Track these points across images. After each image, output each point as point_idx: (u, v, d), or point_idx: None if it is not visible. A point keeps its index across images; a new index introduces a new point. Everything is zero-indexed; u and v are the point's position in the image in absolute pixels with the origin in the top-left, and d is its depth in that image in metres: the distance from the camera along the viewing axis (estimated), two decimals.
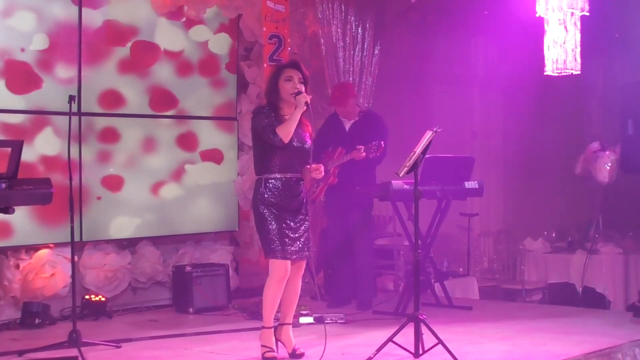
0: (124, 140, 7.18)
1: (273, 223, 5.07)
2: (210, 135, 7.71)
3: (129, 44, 7.17)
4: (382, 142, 6.67)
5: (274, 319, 5.19)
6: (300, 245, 5.16)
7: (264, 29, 7.39)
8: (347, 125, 7.21)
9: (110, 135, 7.09)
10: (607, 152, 8.63)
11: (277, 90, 5.14)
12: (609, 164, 8.56)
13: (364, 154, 6.65)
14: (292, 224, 5.12)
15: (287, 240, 5.08)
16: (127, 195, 7.20)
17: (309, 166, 5.20)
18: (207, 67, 7.67)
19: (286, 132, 5.02)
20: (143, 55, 7.26)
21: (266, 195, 5.08)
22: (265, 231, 5.08)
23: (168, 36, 7.39)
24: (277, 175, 5.09)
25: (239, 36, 7.89)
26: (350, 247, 7.18)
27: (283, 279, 5.14)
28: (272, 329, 5.18)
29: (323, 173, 5.29)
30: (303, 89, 5.13)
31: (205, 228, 7.73)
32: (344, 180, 6.99)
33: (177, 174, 7.52)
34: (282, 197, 5.10)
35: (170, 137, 7.48)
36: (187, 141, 7.56)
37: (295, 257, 5.15)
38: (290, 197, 5.13)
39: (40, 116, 6.66)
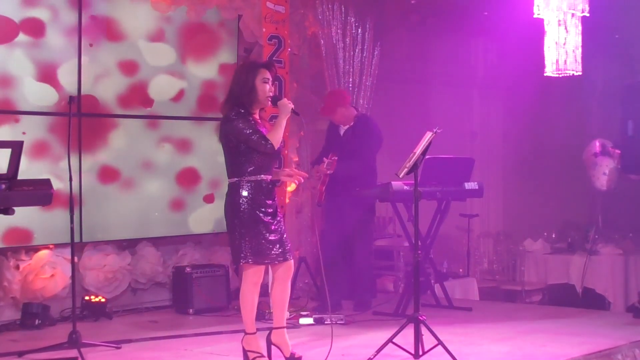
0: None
1: (252, 227, 4.95)
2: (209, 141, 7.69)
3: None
4: (334, 158, 6.66)
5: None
6: (280, 247, 5.04)
7: (264, 29, 7.38)
8: (342, 131, 7.16)
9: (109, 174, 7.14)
10: (607, 159, 8.62)
11: (254, 90, 5.00)
12: (606, 172, 8.56)
13: (328, 171, 6.68)
14: (271, 226, 5.00)
15: (264, 243, 4.97)
16: (127, 196, 7.21)
17: (278, 169, 5.20)
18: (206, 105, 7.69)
19: (278, 140, 4.97)
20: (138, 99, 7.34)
21: (247, 198, 4.96)
22: (244, 235, 4.95)
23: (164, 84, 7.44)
24: (255, 178, 4.99)
25: (239, 37, 7.89)
26: (347, 248, 7.13)
27: (258, 283, 5.06)
28: (256, 334, 5.10)
29: (295, 176, 5.27)
30: (274, 90, 5.10)
31: (205, 229, 7.72)
32: (342, 182, 6.96)
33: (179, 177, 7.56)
34: (261, 199, 4.99)
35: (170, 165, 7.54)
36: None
37: (275, 260, 5.05)
38: (268, 198, 5.04)
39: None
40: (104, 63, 7.03)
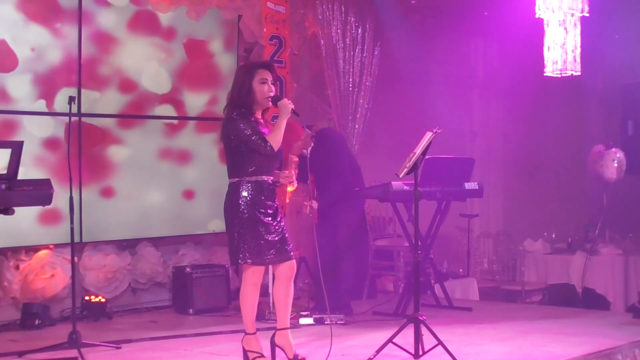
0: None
1: (251, 227, 4.93)
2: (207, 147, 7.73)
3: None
4: (314, 208, 6.56)
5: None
6: (281, 248, 5.01)
7: (265, 30, 7.38)
8: (307, 154, 6.95)
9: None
10: (613, 150, 8.63)
11: (252, 91, 4.99)
12: (616, 161, 8.55)
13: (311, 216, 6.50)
14: (271, 227, 4.98)
15: (263, 243, 4.95)
16: (126, 196, 7.22)
17: (277, 171, 5.17)
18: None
19: (277, 141, 4.94)
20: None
21: (247, 198, 4.94)
22: (243, 235, 4.93)
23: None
24: (256, 178, 4.97)
25: (239, 37, 7.90)
26: (337, 254, 7.02)
27: (258, 284, 5.05)
28: (256, 334, 5.09)
29: (294, 180, 5.25)
30: (274, 90, 5.07)
31: (205, 229, 7.72)
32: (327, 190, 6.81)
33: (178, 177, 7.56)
34: (261, 200, 4.98)
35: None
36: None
37: (274, 261, 5.03)
38: (268, 199, 5.02)
39: None
40: (102, 80, 7.07)
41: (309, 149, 6.95)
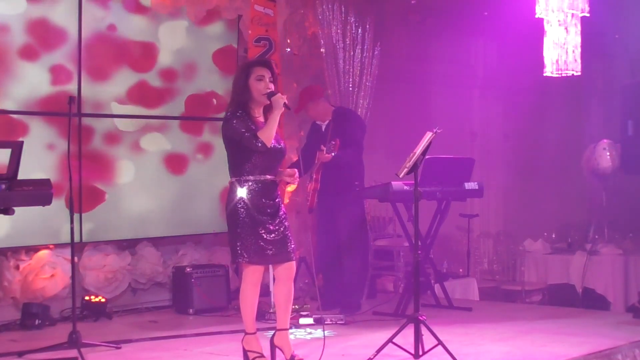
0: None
1: (249, 226, 4.92)
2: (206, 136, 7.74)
3: None
4: (337, 140, 6.43)
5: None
6: (280, 248, 4.99)
7: (249, 32, 7.23)
8: (323, 127, 7.10)
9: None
10: (604, 140, 8.65)
11: (247, 89, 4.98)
12: (606, 148, 8.57)
13: (328, 154, 6.44)
14: (270, 226, 4.96)
15: (262, 243, 4.93)
16: (126, 195, 7.22)
17: (281, 169, 5.14)
18: None
19: (268, 137, 4.90)
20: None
21: (245, 198, 4.93)
22: (241, 234, 4.92)
23: None
24: (255, 177, 4.96)
25: (239, 37, 7.89)
26: (340, 249, 7.10)
27: (257, 283, 5.04)
28: (256, 334, 5.08)
29: (297, 177, 5.19)
30: (273, 87, 5.01)
31: (205, 229, 7.72)
32: (329, 184, 6.79)
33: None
34: (260, 199, 4.96)
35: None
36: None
37: (273, 261, 5.04)
38: (268, 199, 4.99)
39: None
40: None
41: (325, 123, 6.99)
